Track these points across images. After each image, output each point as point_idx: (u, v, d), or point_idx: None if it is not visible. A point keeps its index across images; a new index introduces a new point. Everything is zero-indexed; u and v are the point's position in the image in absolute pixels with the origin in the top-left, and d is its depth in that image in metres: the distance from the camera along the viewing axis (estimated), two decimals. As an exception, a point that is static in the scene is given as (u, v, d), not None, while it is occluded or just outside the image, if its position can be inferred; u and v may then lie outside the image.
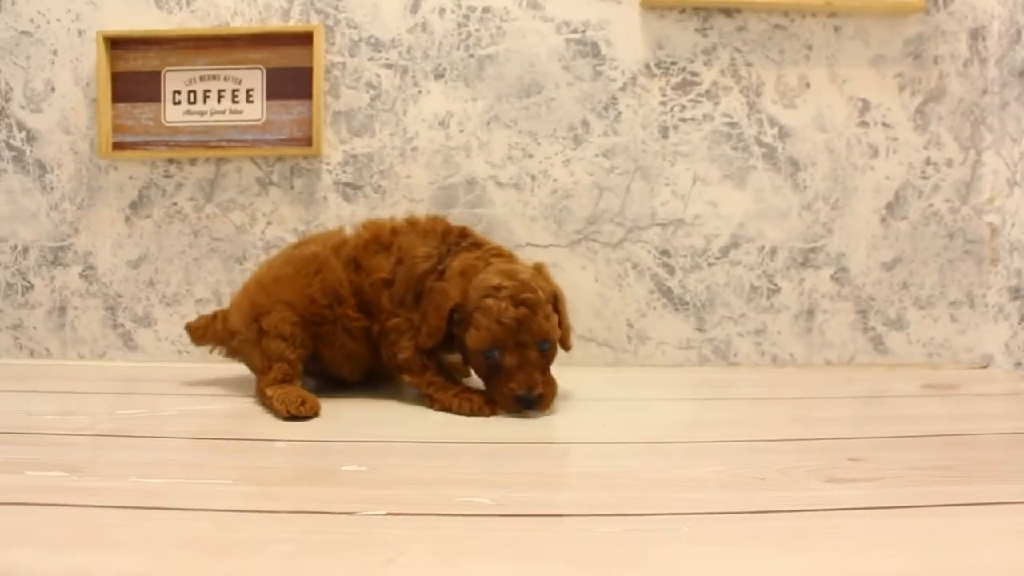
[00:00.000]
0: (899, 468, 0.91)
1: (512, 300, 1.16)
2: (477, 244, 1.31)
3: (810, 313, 1.63)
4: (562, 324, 1.25)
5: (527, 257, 1.56)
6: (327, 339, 1.31)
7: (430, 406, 1.25)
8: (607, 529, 0.72)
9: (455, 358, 1.43)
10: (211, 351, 1.43)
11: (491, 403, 1.21)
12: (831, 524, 0.74)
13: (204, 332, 1.42)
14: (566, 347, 1.29)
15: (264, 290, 1.31)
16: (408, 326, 1.26)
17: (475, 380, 1.42)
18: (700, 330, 1.63)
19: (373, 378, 1.40)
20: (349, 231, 1.38)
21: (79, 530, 0.72)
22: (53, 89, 1.66)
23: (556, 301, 1.25)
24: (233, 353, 1.40)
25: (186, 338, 1.45)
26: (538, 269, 1.27)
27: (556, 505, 0.80)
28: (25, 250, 1.69)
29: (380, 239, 1.32)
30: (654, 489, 0.85)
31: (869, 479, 0.88)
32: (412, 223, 1.34)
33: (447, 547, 0.69)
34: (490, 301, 1.17)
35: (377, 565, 0.64)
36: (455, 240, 1.31)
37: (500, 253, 1.30)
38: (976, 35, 1.61)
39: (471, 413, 1.20)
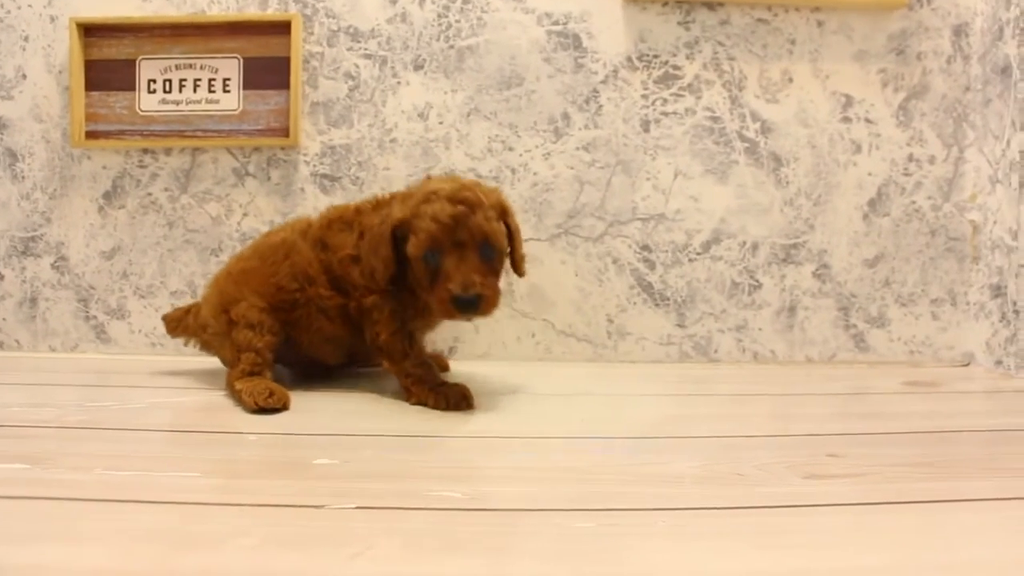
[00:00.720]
0: (879, 464, 0.91)
1: (449, 199, 1.14)
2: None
3: (791, 310, 1.62)
4: (514, 243, 1.22)
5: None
6: (302, 324, 1.30)
7: (407, 399, 1.23)
8: (582, 524, 0.71)
9: (436, 353, 1.42)
10: (185, 343, 1.42)
11: (467, 398, 1.19)
12: (810, 520, 0.73)
13: (178, 324, 1.42)
14: (519, 271, 1.25)
15: (232, 280, 1.31)
16: (385, 303, 1.24)
17: (453, 374, 1.42)
18: (681, 326, 1.62)
19: (355, 360, 1.39)
20: (314, 216, 1.37)
21: (40, 523, 0.71)
22: (24, 76, 1.63)
23: (505, 214, 1.21)
24: (206, 346, 1.39)
25: (160, 330, 1.43)
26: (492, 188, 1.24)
27: (530, 500, 0.78)
28: (-4, 240, 1.66)
29: (344, 218, 1.31)
30: (631, 484, 0.84)
31: (848, 475, 0.87)
32: (373, 201, 1.32)
33: (416, 541, 0.67)
34: (427, 206, 1.15)
35: (344, 559, 0.63)
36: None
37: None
38: (959, 31, 1.60)
39: (447, 409, 1.18)
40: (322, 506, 0.75)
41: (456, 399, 1.19)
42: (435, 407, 1.19)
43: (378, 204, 1.30)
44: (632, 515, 0.74)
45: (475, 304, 1.12)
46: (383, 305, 1.25)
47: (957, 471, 0.90)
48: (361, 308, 1.27)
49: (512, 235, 1.21)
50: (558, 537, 0.68)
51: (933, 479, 0.86)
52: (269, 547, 0.65)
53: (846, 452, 0.96)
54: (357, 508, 0.74)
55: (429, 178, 1.27)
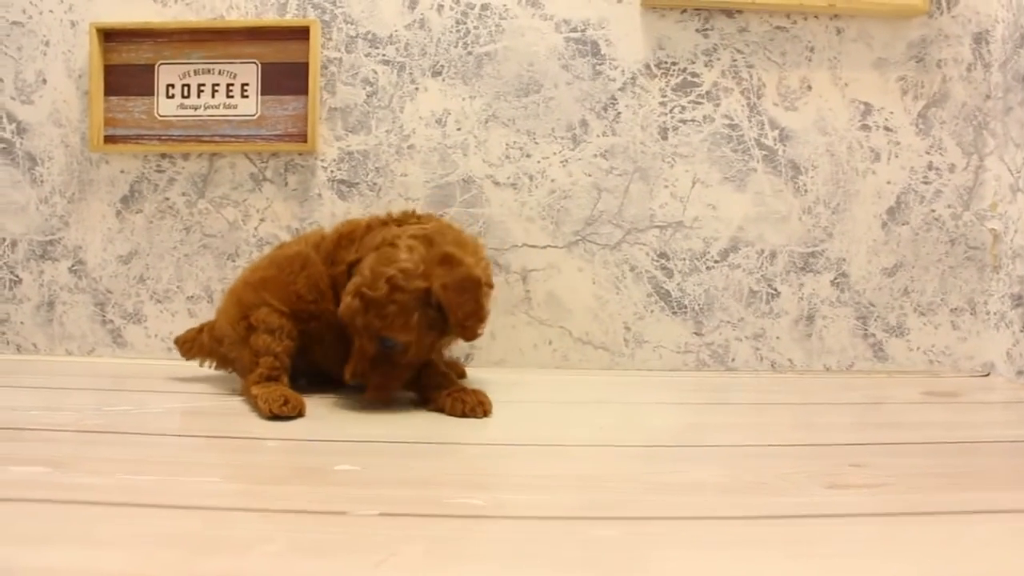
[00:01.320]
0: (901, 475, 0.90)
1: (353, 292, 1.16)
2: (416, 220, 1.30)
3: (810, 318, 1.61)
4: (450, 317, 1.16)
5: (525, 259, 1.56)
6: (317, 336, 1.30)
7: (423, 405, 1.23)
8: (604, 532, 0.70)
9: (452, 360, 1.42)
10: (201, 364, 1.40)
11: (484, 404, 1.19)
12: (833, 530, 0.73)
13: (192, 344, 1.41)
14: (467, 337, 1.20)
15: (252, 288, 1.31)
16: None
17: (470, 381, 1.41)
18: (698, 334, 1.61)
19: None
20: (328, 230, 1.37)
21: (61, 527, 0.70)
22: (45, 81, 1.64)
23: (430, 295, 1.15)
24: (222, 363, 1.38)
25: (177, 334, 1.43)
26: (444, 258, 1.18)
27: (552, 507, 0.78)
28: (14, 244, 1.66)
29: (354, 234, 1.31)
30: (652, 493, 0.83)
31: (871, 485, 0.86)
32: (384, 218, 1.32)
33: (439, 548, 0.66)
34: (350, 282, 1.19)
35: (367, 566, 0.62)
36: (404, 220, 1.30)
37: (420, 234, 1.22)
38: (980, 39, 1.59)
39: (463, 414, 1.18)
40: (344, 512, 0.74)
41: (472, 405, 1.18)
42: (451, 413, 1.18)
43: (386, 222, 1.30)
44: (655, 523, 0.73)
45: (363, 389, 1.21)
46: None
47: (980, 482, 0.89)
48: None
49: (447, 310, 1.16)
50: (580, 545, 0.68)
51: (956, 490, 0.86)
52: (292, 553, 0.65)
53: (868, 462, 0.95)
54: (380, 515, 0.74)
55: (416, 217, 1.30)
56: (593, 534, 0.70)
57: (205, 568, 0.62)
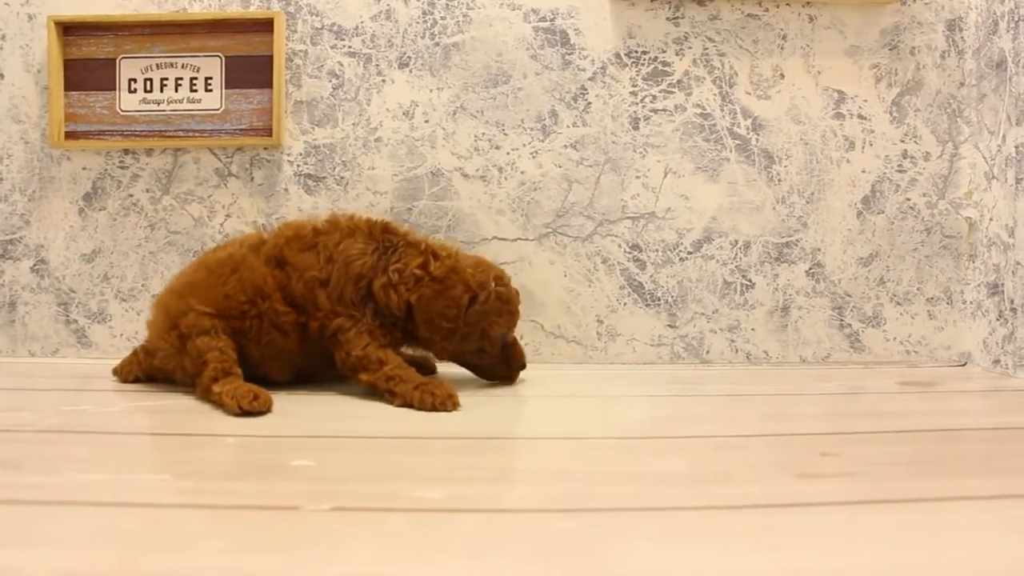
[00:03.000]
0: (874, 463, 0.88)
1: (484, 298, 1.29)
2: (412, 243, 1.32)
3: (785, 309, 1.60)
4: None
5: (495, 252, 1.55)
6: (251, 336, 1.27)
7: (390, 401, 1.20)
8: (563, 525, 0.68)
9: (419, 353, 1.40)
10: (143, 379, 1.38)
11: (452, 397, 1.17)
12: (802, 520, 0.70)
13: (129, 366, 1.39)
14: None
15: (178, 295, 1.29)
16: (353, 324, 1.25)
17: (441, 376, 1.39)
18: (672, 327, 1.59)
19: (300, 378, 1.35)
20: (265, 234, 1.36)
21: (3, 527, 0.68)
22: (2, 76, 1.61)
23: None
24: (159, 374, 1.34)
25: (143, 334, 1.40)
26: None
27: (510, 500, 0.76)
28: (-26, 243, 1.63)
29: (303, 237, 1.31)
30: (616, 484, 0.81)
31: (842, 474, 0.84)
32: (332, 222, 1.33)
33: (393, 543, 0.64)
34: (504, 288, 1.33)
35: (318, 562, 0.60)
36: (385, 237, 1.32)
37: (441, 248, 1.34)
38: (953, 26, 1.58)
39: (433, 408, 1.16)
40: (296, 508, 0.72)
41: (442, 398, 1.17)
42: (420, 406, 1.16)
43: (335, 225, 1.32)
44: (616, 515, 0.71)
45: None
46: (350, 326, 1.25)
47: (953, 469, 0.88)
48: (324, 330, 1.26)
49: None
50: (539, 538, 0.65)
51: (928, 477, 0.84)
52: (239, 550, 0.62)
53: (840, 451, 0.93)
54: (332, 509, 0.71)
55: (415, 244, 1.33)
56: (552, 527, 0.68)
57: (148, 566, 0.60)
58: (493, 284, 1.30)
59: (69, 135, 1.59)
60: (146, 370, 1.36)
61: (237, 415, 1.11)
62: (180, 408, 1.18)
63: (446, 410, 1.15)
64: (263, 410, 1.12)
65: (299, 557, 0.61)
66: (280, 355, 1.29)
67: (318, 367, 1.32)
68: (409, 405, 1.18)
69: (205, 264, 1.32)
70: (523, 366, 1.37)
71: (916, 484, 0.81)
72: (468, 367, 1.38)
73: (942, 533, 0.68)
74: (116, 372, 1.40)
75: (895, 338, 1.61)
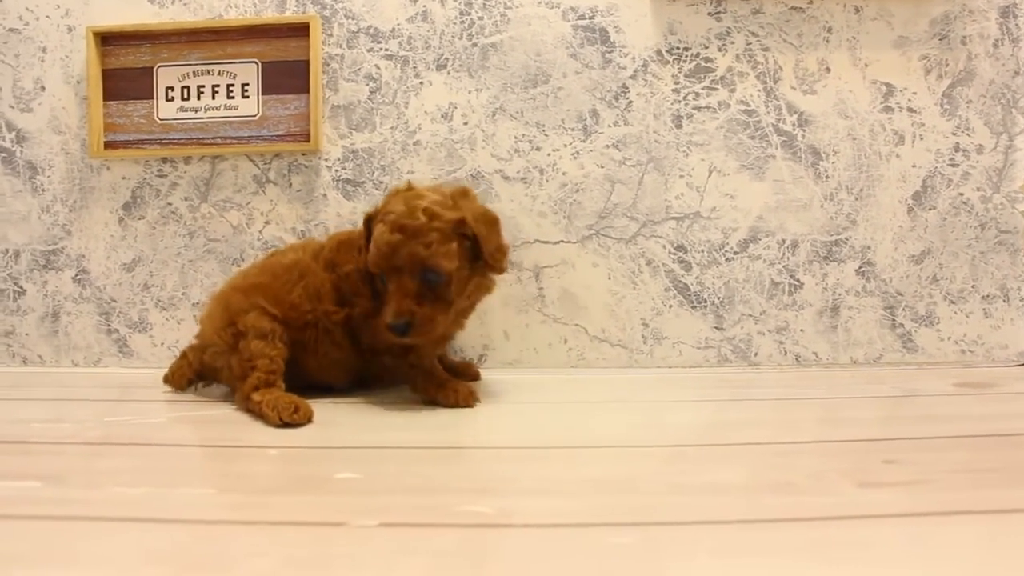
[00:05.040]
0: (937, 471, 0.84)
1: (391, 226, 1.16)
2: None
3: (834, 309, 1.56)
4: (482, 247, 1.19)
5: (537, 255, 1.52)
6: (311, 346, 1.27)
7: (412, 390, 1.26)
8: (621, 540, 0.66)
9: (466, 362, 1.40)
10: (195, 389, 1.37)
11: (474, 394, 1.24)
12: (867, 532, 0.67)
13: (181, 372, 1.36)
14: (495, 270, 1.24)
15: (241, 293, 1.28)
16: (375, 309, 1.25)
17: (485, 383, 1.38)
18: (719, 329, 1.56)
19: (362, 384, 1.36)
20: (323, 239, 1.37)
21: (45, 544, 0.67)
22: (43, 88, 1.61)
23: (462, 225, 1.18)
24: (210, 373, 1.34)
25: (183, 343, 1.39)
26: (461, 194, 1.24)
27: (565, 514, 0.73)
28: (16, 254, 1.63)
29: (352, 240, 1.31)
30: (673, 495, 0.78)
31: (906, 483, 0.81)
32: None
33: (444, 561, 0.62)
34: (377, 226, 1.19)
35: (364, 582, 0.58)
36: None
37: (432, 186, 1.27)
38: (1007, 13, 1.53)
39: (455, 404, 1.21)
40: (343, 524, 0.70)
41: (465, 394, 1.22)
42: (444, 403, 1.22)
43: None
44: (675, 529, 0.68)
45: (405, 331, 1.15)
46: (374, 312, 1.24)
47: (1021, 478, 0.84)
48: (355, 318, 1.27)
49: (480, 240, 1.19)
50: (597, 554, 0.63)
51: (996, 486, 0.80)
52: (285, 568, 0.61)
53: (901, 458, 0.89)
54: (380, 525, 0.69)
55: (409, 187, 1.25)
56: (608, 541, 0.65)
57: (192, 587, 0.58)
58: (379, 220, 1.21)
59: (108, 145, 1.59)
60: (197, 370, 1.35)
61: (278, 426, 1.10)
62: (221, 419, 1.17)
63: (468, 406, 1.21)
64: (303, 422, 1.11)
65: (347, 577, 0.59)
66: (338, 363, 1.30)
67: (374, 371, 1.33)
68: (432, 401, 1.24)
69: (270, 269, 1.31)
70: (392, 324, 1.17)
71: (984, 493, 0.78)
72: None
73: (1013, 546, 0.64)
74: (167, 380, 1.37)
75: (949, 337, 1.56)
